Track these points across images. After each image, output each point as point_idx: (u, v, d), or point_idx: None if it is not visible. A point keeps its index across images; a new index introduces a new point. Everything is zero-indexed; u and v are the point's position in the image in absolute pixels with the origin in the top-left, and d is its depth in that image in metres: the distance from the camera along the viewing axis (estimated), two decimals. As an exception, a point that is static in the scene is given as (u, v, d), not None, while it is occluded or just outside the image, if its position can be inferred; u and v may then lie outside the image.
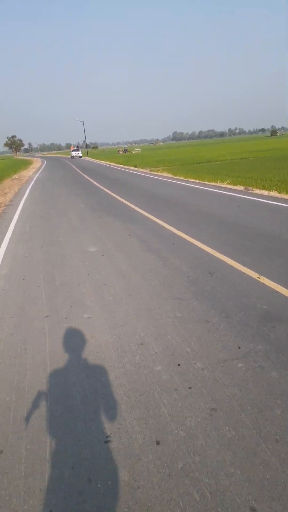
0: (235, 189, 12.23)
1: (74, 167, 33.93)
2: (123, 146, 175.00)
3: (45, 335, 3.58)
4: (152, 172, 22.41)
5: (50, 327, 3.72)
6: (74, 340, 3.44)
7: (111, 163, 37.56)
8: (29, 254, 6.33)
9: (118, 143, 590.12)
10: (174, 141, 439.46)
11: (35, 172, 29.98)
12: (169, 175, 19.43)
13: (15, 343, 3.46)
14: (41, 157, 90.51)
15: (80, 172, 25.66)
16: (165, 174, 20.29)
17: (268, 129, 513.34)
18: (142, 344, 3.27)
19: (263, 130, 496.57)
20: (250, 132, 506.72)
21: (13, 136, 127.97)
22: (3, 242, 7.27)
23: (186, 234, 6.76)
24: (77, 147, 66.90)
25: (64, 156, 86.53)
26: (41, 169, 34.35)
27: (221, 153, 38.17)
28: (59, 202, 12.11)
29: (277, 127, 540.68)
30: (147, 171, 24.53)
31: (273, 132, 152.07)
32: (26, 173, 29.54)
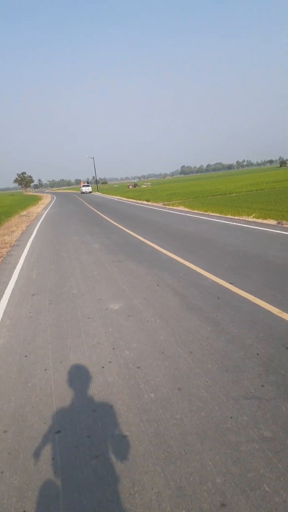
0: (266, 224, 10.93)
1: (85, 202, 33.32)
2: (132, 180, 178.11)
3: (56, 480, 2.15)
4: (166, 206, 21.41)
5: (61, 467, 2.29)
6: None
7: (123, 198, 36.97)
8: (35, 314, 4.99)
9: (127, 178, 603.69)
10: (182, 175, 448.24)
11: (45, 208, 29.30)
12: (186, 209, 18.35)
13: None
14: (51, 193, 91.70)
15: (92, 208, 24.81)
16: (181, 208, 19.22)
17: (276, 160, 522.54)
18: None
19: (271, 161, 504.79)
20: (258, 164, 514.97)
21: (23, 173, 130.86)
22: (4, 295, 5.96)
23: (231, 284, 5.40)
24: (87, 182, 67.15)
25: (74, 191, 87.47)
26: (50, 205, 33.79)
27: (236, 185, 37.36)
28: (70, 241, 10.92)
29: (285, 158, 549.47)
30: (160, 205, 23.62)
31: (282, 163, 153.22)
32: (35, 209, 28.88)
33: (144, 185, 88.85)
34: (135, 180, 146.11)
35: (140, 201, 29.55)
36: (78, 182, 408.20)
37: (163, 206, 22.18)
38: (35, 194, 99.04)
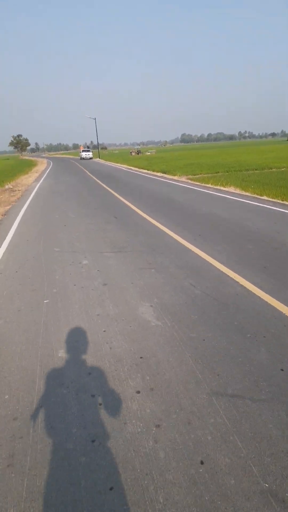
0: None
1: (87, 172, 27.35)
2: (135, 147, 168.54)
3: None
4: (198, 183, 15.83)
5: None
6: None
7: (131, 167, 31.01)
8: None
9: (125, 144, 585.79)
10: (183, 143, 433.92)
11: (37, 179, 23.40)
12: (238, 191, 12.87)
13: None
14: (48, 158, 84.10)
15: (98, 181, 19.06)
16: (231, 188, 13.65)
17: (278, 133, 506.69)
18: None
19: (273, 134, 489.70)
20: (260, 136, 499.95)
21: (19, 135, 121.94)
22: None
23: None
24: (87, 147, 60.32)
25: (72, 157, 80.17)
26: (45, 174, 27.78)
27: (263, 158, 31.40)
28: (75, 275, 5.45)
29: (287, 132, 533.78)
30: (184, 179, 18.02)
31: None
32: (25, 179, 22.94)
33: (148, 152, 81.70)
34: (138, 147, 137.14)
35: (154, 173, 23.82)
36: (76, 146, 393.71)
37: (192, 182, 16.60)
38: (31, 158, 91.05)
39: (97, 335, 3.44)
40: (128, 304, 4.05)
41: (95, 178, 20.65)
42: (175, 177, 19.29)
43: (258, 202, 10.43)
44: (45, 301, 4.28)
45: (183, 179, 18.33)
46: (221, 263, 5.24)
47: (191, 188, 14.61)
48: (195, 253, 5.78)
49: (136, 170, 27.36)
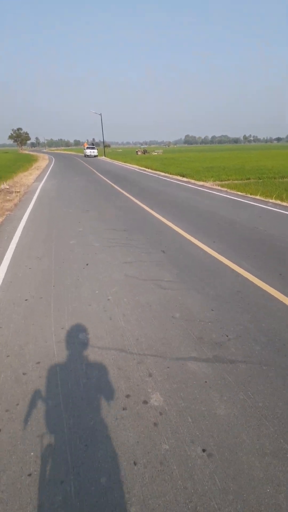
0: None
1: (97, 172, 23.97)
2: (141, 146, 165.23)
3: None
4: (237, 192, 12.66)
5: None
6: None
7: (144, 168, 27.70)
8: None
9: (127, 143, 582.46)
10: (186, 145, 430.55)
11: (39, 178, 20.02)
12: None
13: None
14: (49, 153, 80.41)
15: (114, 186, 15.74)
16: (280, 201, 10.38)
17: (283, 138, 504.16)
18: None
19: (278, 139, 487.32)
20: (265, 140, 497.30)
21: (19, 129, 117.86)
22: None
23: None
24: (92, 144, 56.85)
25: (74, 153, 76.63)
26: (48, 172, 24.39)
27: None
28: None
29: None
30: (216, 186, 14.81)
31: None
32: (25, 178, 19.49)
33: (155, 152, 78.36)
34: (145, 146, 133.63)
35: (174, 176, 20.60)
36: (77, 143, 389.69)
37: (231, 191, 13.37)
38: (31, 153, 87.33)
39: None
40: None
41: (108, 181, 17.28)
42: (205, 184, 15.97)
43: None
44: None
45: (215, 186, 15.06)
46: None
47: (239, 200, 11.30)
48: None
49: (151, 172, 24.05)
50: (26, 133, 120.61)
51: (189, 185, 15.40)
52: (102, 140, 62.77)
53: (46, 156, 56.77)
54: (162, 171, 24.15)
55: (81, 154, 68.34)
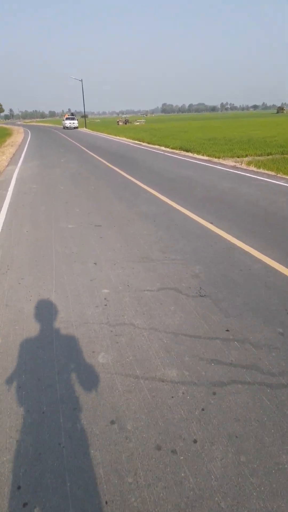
0: None
1: (85, 148, 20.02)
2: (122, 116, 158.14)
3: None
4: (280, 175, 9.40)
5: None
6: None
7: (136, 141, 23.90)
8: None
9: (104, 113, 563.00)
10: (164, 113, 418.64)
11: (14, 159, 16.03)
12: None
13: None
14: (24, 126, 73.70)
15: (115, 168, 12.17)
16: None
17: (259, 105, 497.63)
18: None
19: (255, 106, 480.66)
20: (241, 108, 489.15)
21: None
22: None
23: None
24: (72, 114, 51.65)
25: (51, 125, 70.50)
26: (25, 150, 20.29)
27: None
28: None
29: (267, 105, 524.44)
30: (232, 163, 11.63)
31: (280, 109, 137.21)
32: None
33: (137, 122, 73.00)
34: (126, 116, 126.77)
35: (177, 151, 17.28)
36: (52, 114, 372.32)
37: (274, 174, 10.09)
38: (5, 126, 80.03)
39: None
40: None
41: (106, 163, 13.54)
42: (236, 164, 12.58)
43: None
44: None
45: (251, 167, 11.72)
46: None
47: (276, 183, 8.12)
48: None
49: (148, 146, 20.37)
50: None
51: (217, 167, 11.89)
52: (81, 110, 57.47)
53: (21, 130, 51.17)
54: (160, 145, 20.54)
55: (58, 126, 62.83)
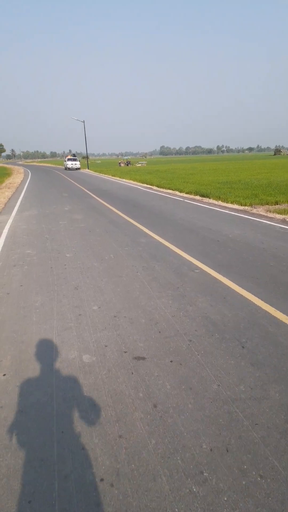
0: None
1: (91, 193, 17.83)
2: (124, 157, 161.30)
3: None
4: None
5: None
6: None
7: (147, 185, 21.85)
8: None
9: (103, 155, 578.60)
10: (162, 156, 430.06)
11: (8, 206, 13.74)
12: None
13: None
14: (24, 166, 73.04)
15: (134, 222, 9.74)
16: None
17: (254, 148, 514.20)
18: None
19: (250, 149, 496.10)
20: (237, 151, 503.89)
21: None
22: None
23: None
24: (74, 155, 50.62)
25: (52, 166, 69.82)
26: (23, 193, 18.08)
27: None
28: None
29: (262, 147, 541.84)
30: (265, 212, 9.24)
31: (277, 151, 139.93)
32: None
33: (139, 163, 72.82)
34: (128, 157, 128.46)
35: (197, 198, 15.12)
36: (53, 155, 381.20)
37: None
38: (5, 166, 79.60)
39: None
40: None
41: (117, 211, 11.18)
42: (262, 212, 10.23)
43: None
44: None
45: (262, 211, 9.38)
46: None
47: None
48: None
49: (160, 191, 18.23)
50: (1, 145, 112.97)
51: (264, 221, 9.45)
52: (81, 151, 56.70)
53: (21, 170, 49.90)
54: (172, 189, 18.45)
55: (59, 166, 62.02)
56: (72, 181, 25.35)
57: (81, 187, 20.62)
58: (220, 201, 13.60)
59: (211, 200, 13.96)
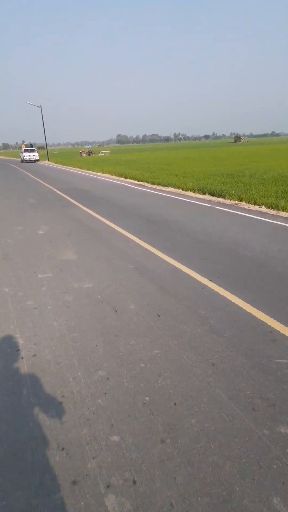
0: None
1: (63, 194, 13.37)
2: (85, 146, 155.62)
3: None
4: None
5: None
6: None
7: (122, 178, 17.73)
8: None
9: (58, 144, 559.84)
10: (119, 144, 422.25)
11: None
12: None
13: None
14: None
15: (151, 248, 5.59)
16: None
17: (210, 135, 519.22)
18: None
19: (206, 136, 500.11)
20: (194, 138, 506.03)
21: None
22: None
23: None
24: (31, 145, 45.01)
25: (7, 158, 63.00)
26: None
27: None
28: None
29: (218, 134, 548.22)
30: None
31: (237, 138, 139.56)
32: None
33: (102, 153, 67.63)
34: (89, 146, 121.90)
35: (191, 194, 11.61)
36: (6, 146, 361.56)
37: None
38: None
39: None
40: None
41: (123, 231, 7.06)
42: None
43: None
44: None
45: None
46: None
47: None
48: None
49: (150, 188, 14.21)
50: None
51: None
52: (36, 142, 50.97)
53: None
54: (163, 184, 14.66)
55: (14, 158, 55.78)
56: (36, 178, 20.47)
57: (50, 186, 15.97)
58: (250, 205, 9.85)
59: (251, 206, 9.99)
